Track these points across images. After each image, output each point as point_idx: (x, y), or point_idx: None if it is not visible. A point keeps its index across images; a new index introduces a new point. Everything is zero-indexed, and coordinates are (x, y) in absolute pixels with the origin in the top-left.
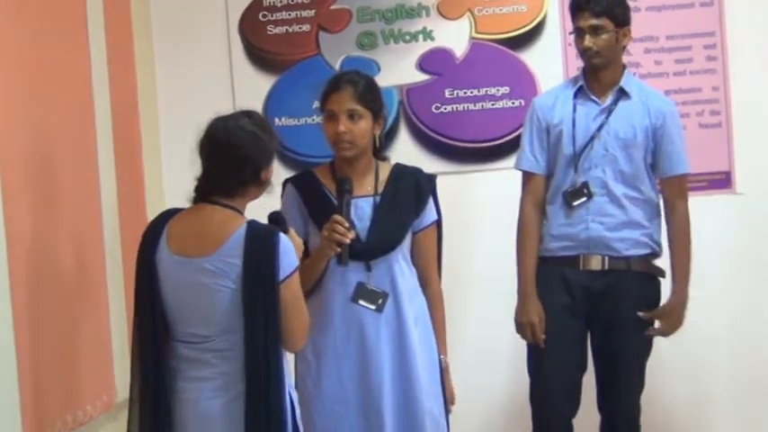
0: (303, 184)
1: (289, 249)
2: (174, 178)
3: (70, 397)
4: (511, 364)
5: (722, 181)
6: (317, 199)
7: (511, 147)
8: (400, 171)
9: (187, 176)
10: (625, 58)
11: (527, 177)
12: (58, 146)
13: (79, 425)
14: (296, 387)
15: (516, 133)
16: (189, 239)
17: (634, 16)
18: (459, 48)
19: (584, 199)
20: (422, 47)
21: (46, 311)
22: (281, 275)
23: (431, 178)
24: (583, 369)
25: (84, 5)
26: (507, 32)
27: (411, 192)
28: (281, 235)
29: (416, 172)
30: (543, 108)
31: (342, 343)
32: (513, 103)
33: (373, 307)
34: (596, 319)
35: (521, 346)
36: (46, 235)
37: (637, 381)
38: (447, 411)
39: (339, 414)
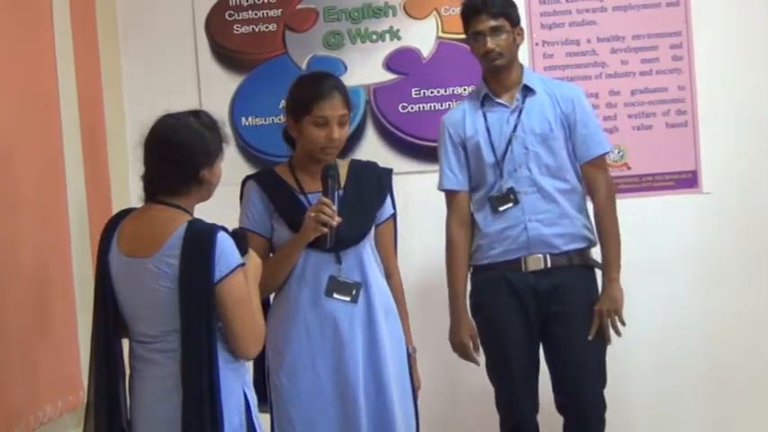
0: (266, 180)
1: (227, 249)
2: (139, 178)
3: (35, 396)
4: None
5: (689, 180)
6: (282, 194)
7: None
8: (358, 165)
9: None
10: (591, 58)
11: (450, 196)
12: (23, 146)
13: (40, 424)
14: (268, 381)
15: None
16: (135, 239)
17: (600, 16)
18: (426, 47)
19: (510, 204)
20: (388, 46)
21: (9, 311)
22: (217, 276)
23: (389, 172)
24: (536, 370)
25: (49, 4)
26: None
27: (373, 184)
28: (220, 234)
29: (375, 166)
30: (454, 124)
31: (315, 336)
32: None
33: (348, 298)
34: (547, 320)
35: None
36: (10, 233)
37: (596, 375)
38: (415, 398)
39: (316, 406)
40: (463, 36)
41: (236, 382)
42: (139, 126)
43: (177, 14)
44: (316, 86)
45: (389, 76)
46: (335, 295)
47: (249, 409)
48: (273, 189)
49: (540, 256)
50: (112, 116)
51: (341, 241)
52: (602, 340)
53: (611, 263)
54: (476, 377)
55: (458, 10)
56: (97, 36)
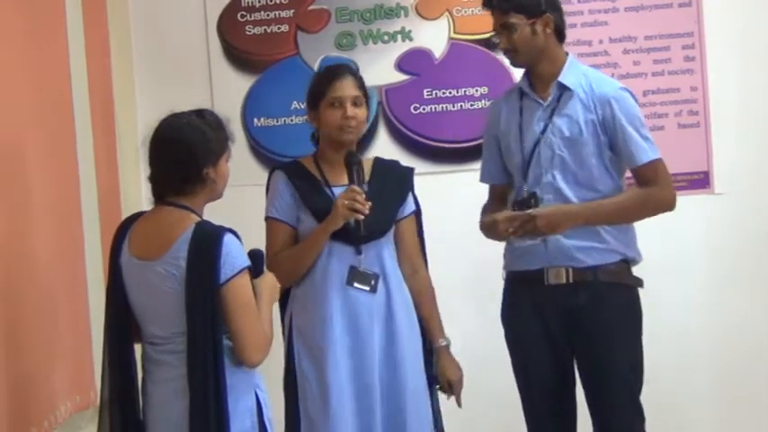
0: (293, 171)
1: (233, 251)
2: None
3: (50, 398)
4: (490, 368)
5: (701, 181)
6: (308, 186)
7: None
8: (382, 163)
9: None
10: (603, 59)
11: (490, 189)
12: (37, 148)
13: (57, 424)
14: (292, 366)
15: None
16: (145, 242)
17: (612, 16)
18: (438, 48)
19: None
20: (400, 47)
21: (25, 312)
22: (222, 277)
23: (411, 171)
24: (565, 389)
25: (62, 6)
26: (486, 33)
27: (395, 181)
28: (227, 236)
29: (397, 164)
30: (492, 116)
31: (335, 324)
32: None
33: (367, 288)
34: (573, 341)
35: (499, 346)
36: (24, 234)
37: (627, 410)
38: (433, 393)
39: (335, 392)
40: (475, 36)
41: (246, 384)
42: (151, 127)
43: (189, 15)
44: (329, 72)
45: (401, 77)
46: (356, 284)
47: (261, 411)
48: (300, 180)
49: (563, 269)
50: (124, 117)
51: (362, 235)
52: (637, 369)
53: (598, 205)
54: (495, 376)
55: (470, 11)
56: (109, 37)
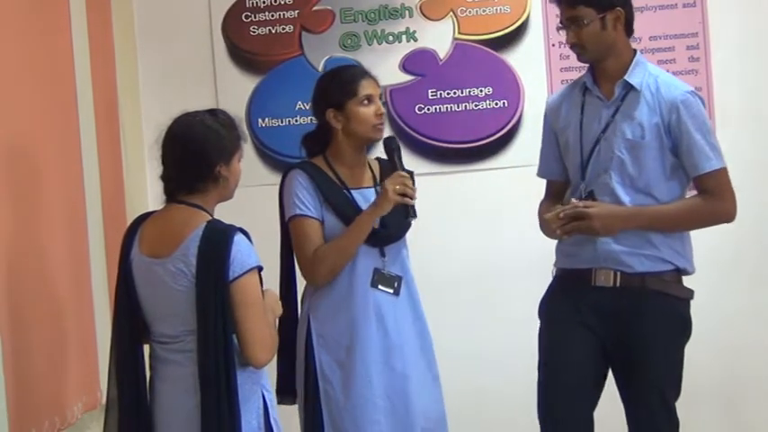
0: (313, 171)
1: (243, 250)
2: (157, 179)
3: (56, 397)
4: (491, 363)
5: None
6: (329, 186)
7: (494, 147)
8: (385, 164)
9: None
10: None
11: (547, 183)
12: (42, 148)
13: (68, 425)
14: (311, 371)
15: (499, 134)
16: (156, 240)
17: None
18: (443, 49)
19: None
20: (405, 48)
21: (31, 312)
22: (231, 275)
23: (411, 174)
24: (589, 396)
25: (67, 6)
26: (490, 33)
27: None
28: (238, 235)
29: None
30: (551, 110)
31: (362, 326)
32: (496, 103)
33: (391, 290)
34: (611, 343)
35: (500, 347)
36: (29, 235)
37: (660, 417)
38: None
39: (364, 396)
40: (480, 37)
41: (254, 384)
42: (156, 127)
43: (194, 16)
44: (351, 71)
45: (406, 78)
46: (380, 287)
47: (267, 412)
48: (320, 180)
49: (611, 272)
50: (129, 117)
51: (386, 237)
52: (675, 379)
53: (648, 212)
54: (492, 377)
55: (474, 11)
56: (113, 37)
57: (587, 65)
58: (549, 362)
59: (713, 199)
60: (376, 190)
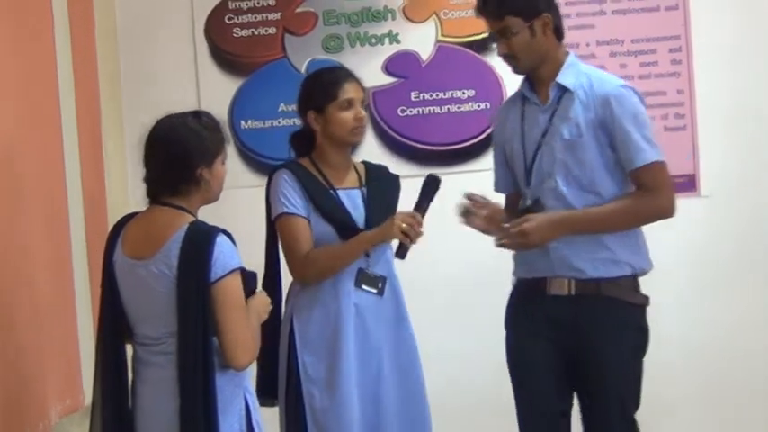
0: (299, 172)
1: (225, 252)
2: (138, 181)
3: (38, 401)
4: (476, 365)
5: (687, 184)
6: (315, 188)
7: (476, 149)
8: (373, 166)
9: None
10: (590, 62)
11: (505, 198)
12: (24, 148)
13: (50, 429)
14: (292, 369)
15: (482, 136)
16: (138, 241)
17: (599, 19)
18: (425, 51)
19: None
20: (388, 50)
21: (12, 315)
22: (212, 277)
23: (398, 177)
24: (560, 407)
25: (49, 8)
26: (473, 35)
27: (388, 186)
28: (221, 236)
29: (386, 168)
30: (496, 124)
31: (346, 327)
32: (478, 105)
33: (375, 290)
34: (569, 353)
35: (486, 347)
36: (11, 238)
37: (618, 427)
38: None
39: (349, 398)
40: (462, 39)
41: (235, 388)
42: (138, 129)
43: (176, 18)
44: (334, 74)
45: (389, 80)
46: (364, 287)
47: (249, 414)
48: (307, 180)
49: (565, 280)
50: (110, 120)
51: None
52: (633, 390)
53: (583, 212)
54: (479, 376)
55: (457, 14)
56: (96, 39)
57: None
58: (515, 382)
59: (648, 194)
60: (361, 192)
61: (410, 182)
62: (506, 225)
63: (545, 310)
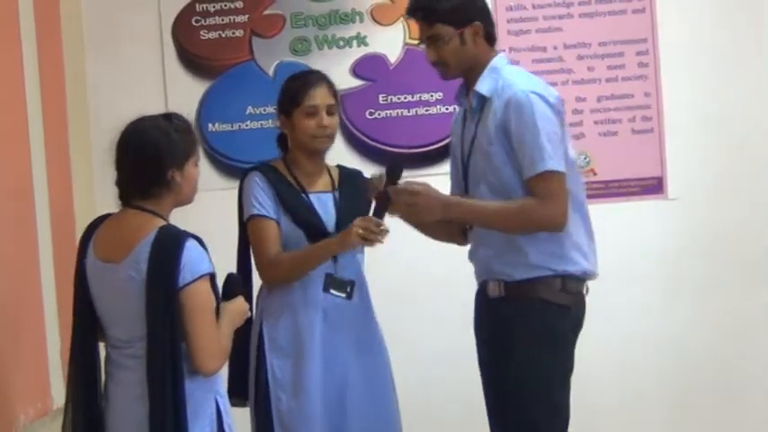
0: (270, 174)
1: (194, 257)
2: (105, 183)
3: (6, 405)
4: (458, 363)
5: (654, 186)
6: (286, 190)
7: (445, 152)
8: (349, 172)
9: None
10: (558, 65)
11: None
12: None
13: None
14: (259, 373)
15: (450, 139)
16: (109, 244)
17: (567, 22)
18: (393, 53)
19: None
20: (356, 53)
21: None
22: (181, 282)
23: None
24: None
25: (15, 11)
26: None
27: (361, 190)
28: (190, 241)
29: (361, 173)
30: (452, 124)
31: (312, 333)
32: (446, 108)
33: (343, 295)
34: (493, 351)
35: (451, 349)
36: None
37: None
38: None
39: (314, 400)
40: None
41: (207, 392)
42: (105, 131)
43: (144, 20)
44: (303, 79)
45: (357, 83)
46: (332, 291)
47: (221, 418)
48: (278, 183)
49: (498, 283)
50: (77, 123)
51: None
52: (545, 403)
53: (469, 203)
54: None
55: None
56: (62, 42)
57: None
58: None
59: (537, 203)
60: (333, 195)
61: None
62: (395, 186)
63: (487, 314)
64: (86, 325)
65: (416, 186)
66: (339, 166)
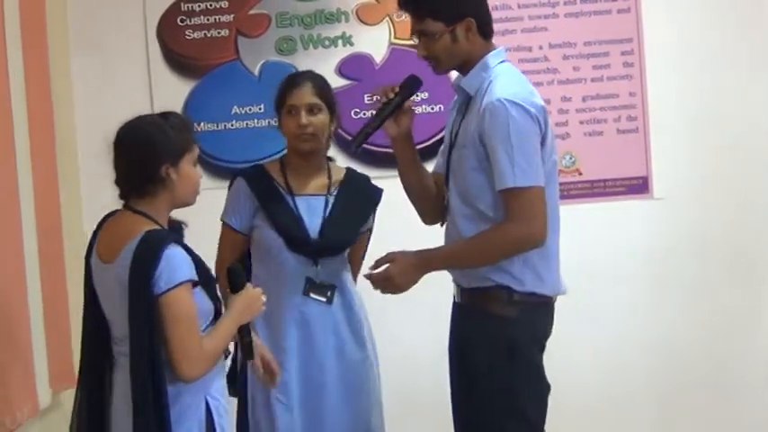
0: (255, 179)
1: (173, 264)
2: (90, 183)
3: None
4: (433, 367)
5: (640, 186)
6: (269, 193)
7: (430, 152)
8: (353, 176)
9: (104, 181)
10: (543, 65)
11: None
12: None
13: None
14: (246, 380)
15: (435, 138)
16: (106, 244)
17: (552, 22)
18: (379, 53)
19: (444, 224)
20: (341, 52)
21: None
22: (157, 289)
23: (380, 192)
24: None
25: (1, 5)
26: None
27: (363, 197)
28: (169, 248)
29: (368, 182)
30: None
31: (290, 337)
32: (432, 108)
33: (324, 299)
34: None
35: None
36: None
37: None
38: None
39: (284, 404)
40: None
41: (195, 394)
42: (90, 131)
43: (129, 20)
44: (290, 79)
45: (342, 82)
46: (312, 295)
47: (212, 418)
48: (261, 187)
49: (456, 286)
50: (63, 123)
51: (321, 249)
52: (509, 415)
53: (444, 251)
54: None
55: (409, 17)
56: (48, 42)
57: None
58: None
59: (508, 223)
60: (326, 198)
61: None
62: (369, 271)
63: (453, 315)
64: (95, 319)
65: (385, 258)
66: (349, 169)
